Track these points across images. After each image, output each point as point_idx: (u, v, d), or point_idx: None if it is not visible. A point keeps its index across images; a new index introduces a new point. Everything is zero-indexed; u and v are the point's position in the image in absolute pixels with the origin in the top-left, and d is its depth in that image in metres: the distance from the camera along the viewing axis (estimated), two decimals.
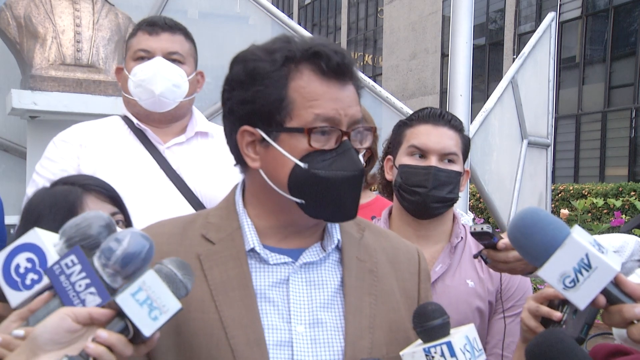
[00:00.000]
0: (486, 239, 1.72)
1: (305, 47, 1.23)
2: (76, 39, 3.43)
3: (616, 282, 1.19)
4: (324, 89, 1.22)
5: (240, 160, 1.32)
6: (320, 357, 1.23)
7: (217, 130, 2.41)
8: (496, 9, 24.88)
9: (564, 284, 1.17)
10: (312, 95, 1.22)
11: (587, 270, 1.16)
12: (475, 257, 1.85)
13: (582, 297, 1.17)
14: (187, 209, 2.21)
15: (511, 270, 1.76)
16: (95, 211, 1.23)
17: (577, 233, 1.20)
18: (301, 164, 1.22)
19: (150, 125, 2.35)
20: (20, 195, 2.31)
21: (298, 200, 1.24)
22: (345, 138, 1.24)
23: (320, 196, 1.23)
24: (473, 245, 2.07)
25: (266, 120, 1.24)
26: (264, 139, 1.25)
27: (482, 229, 1.70)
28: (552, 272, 1.18)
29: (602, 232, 6.17)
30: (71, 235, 1.17)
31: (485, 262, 1.79)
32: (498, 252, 1.73)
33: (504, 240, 1.70)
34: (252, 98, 1.24)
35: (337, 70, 1.23)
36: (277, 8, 4.68)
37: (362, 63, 34.03)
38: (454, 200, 2.04)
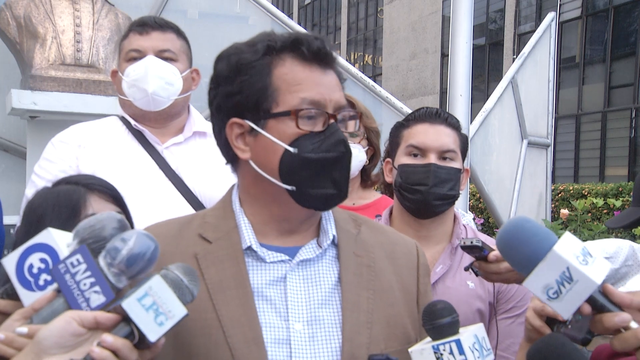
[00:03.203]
0: (476, 252, 1.73)
1: (286, 37, 1.28)
2: (76, 39, 3.42)
3: (604, 292, 1.19)
4: (307, 73, 1.26)
5: (230, 158, 1.34)
6: (318, 354, 1.24)
7: None
8: (496, 9, 24.85)
9: (548, 294, 1.18)
10: (296, 80, 1.25)
11: (569, 283, 1.16)
12: (466, 269, 1.84)
13: (565, 308, 1.18)
14: (187, 209, 2.20)
15: (504, 280, 1.77)
16: (108, 212, 1.24)
17: (562, 245, 1.19)
18: (291, 149, 1.24)
19: (147, 125, 2.34)
20: (20, 195, 2.30)
21: (289, 187, 1.25)
22: (332, 121, 1.26)
23: (311, 180, 1.25)
24: None
25: (253, 110, 1.26)
26: (252, 129, 1.27)
27: (471, 242, 1.71)
28: (536, 283, 1.19)
29: (602, 232, 6.17)
30: (84, 237, 1.17)
31: (476, 274, 1.80)
32: (489, 264, 1.73)
33: (495, 252, 1.71)
34: (238, 89, 1.27)
35: (318, 55, 1.26)
36: (277, 8, 4.68)
37: (362, 63, 34.01)
38: (455, 197, 2.03)
